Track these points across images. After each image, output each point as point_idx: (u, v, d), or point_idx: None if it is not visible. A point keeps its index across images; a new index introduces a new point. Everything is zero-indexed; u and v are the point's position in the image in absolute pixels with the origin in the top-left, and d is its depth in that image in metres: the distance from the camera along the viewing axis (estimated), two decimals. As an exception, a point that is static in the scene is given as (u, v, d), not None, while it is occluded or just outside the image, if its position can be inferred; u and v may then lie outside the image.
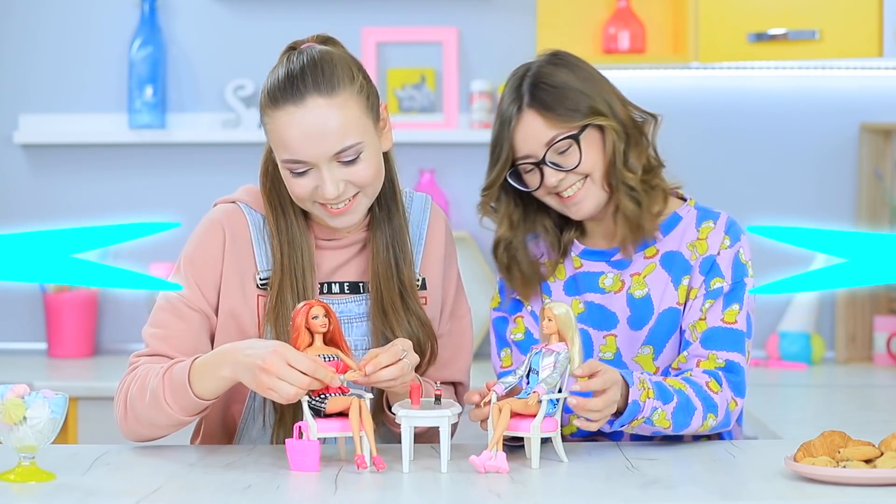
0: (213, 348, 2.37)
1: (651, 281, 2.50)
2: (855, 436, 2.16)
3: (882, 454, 2.08)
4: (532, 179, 2.48)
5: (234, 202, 2.44)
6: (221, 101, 4.18)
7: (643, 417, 2.33)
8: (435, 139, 4.16)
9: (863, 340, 4.12)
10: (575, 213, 2.48)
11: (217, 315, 2.40)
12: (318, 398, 2.18)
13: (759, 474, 2.15)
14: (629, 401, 2.31)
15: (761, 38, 3.81)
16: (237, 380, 2.22)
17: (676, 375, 2.44)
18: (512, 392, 2.24)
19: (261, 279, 2.39)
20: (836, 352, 4.11)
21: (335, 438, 2.26)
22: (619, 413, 2.32)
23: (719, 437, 2.53)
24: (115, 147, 4.20)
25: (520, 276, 2.54)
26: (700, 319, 2.46)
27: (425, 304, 2.46)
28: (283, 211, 2.40)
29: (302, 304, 2.22)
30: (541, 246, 2.57)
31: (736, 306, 2.45)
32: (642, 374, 2.39)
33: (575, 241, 2.55)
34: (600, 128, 2.46)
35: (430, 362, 2.44)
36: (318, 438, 2.17)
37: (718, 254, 2.47)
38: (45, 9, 4.19)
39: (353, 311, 2.42)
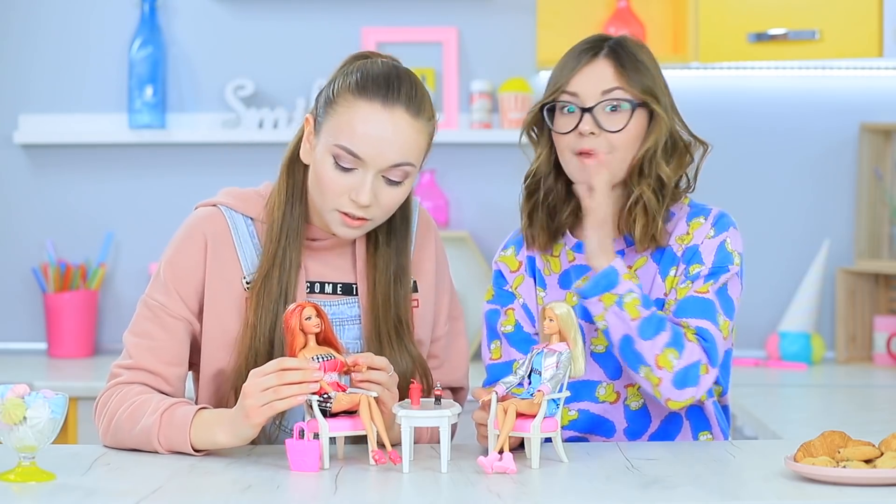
0: (199, 353, 2.39)
1: (642, 274, 2.49)
2: (855, 436, 2.16)
3: (882, 454, 2.08)
4: (567, 122, 2.45)
5: (214, 205, 2.43)
6: (221, 101, 4.18)
7: (617, 294, 2.35)
8: (435, 139, 4.14)
9: (863, 340, 4.12)
10: (582, 178, 2.44)
11: (201, 321, 2.39)
12: (321, 398, 2.18)
13: (759, 474, 2.15)
14: (609, 266, 2.35)
15: (761, 38, 3.81)
16: (236, 437, 2.23)
17: None
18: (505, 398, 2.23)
19: (247, 282, 2.39)
20: (836, 352, 4.12)
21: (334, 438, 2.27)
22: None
23: (721, 432, 2.54)
24: (115, 147, 4.20)
25: (543, 218, 2.53)
26: (674, 300, 2.44)
27: (416, 306, 2.46)
28: (293, 205, 2.39)
29: (293, 305, 2.22)
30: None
31: (711, 281, 2.41)
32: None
33: (568, 233, 2.54)
34: (650, 115, 2.45)
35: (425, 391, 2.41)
36: (330, 438, 2.18)
37: (702, 243, 2.44)
38: (45, 9, 4.19)
39: (344, 314, 2.42)
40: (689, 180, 2.51)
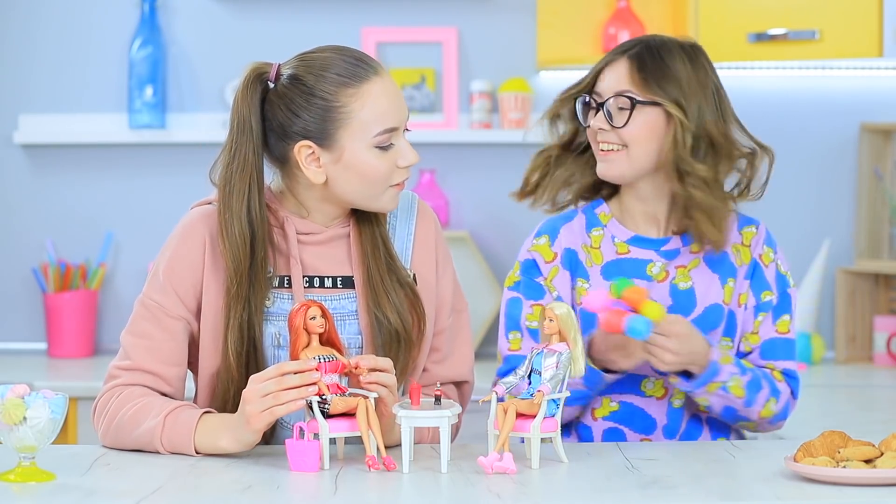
0: (198, 352, 2.39)
1: (695, 275, 2.54)
2: (855, 436, 2.16)
3: (882, 454, 2.08)
4: (586, 116, 2.54)
5: (211, 203, 2.44)
6: (221, 101, 4.18)
7: (721, 382, 2.44)
8: (435, 139, 4.16)
9: (863, 340, 4.12)
10: (600, 170, 2.54)
11: (199, 319, 2.39)
12: (320, 398, 2.18)
13: (759, 474, 2.15)
14: (709, 360, 2.42)
15: (761, 38, 3.81)
16: (239, 443, 2.24)
17: None
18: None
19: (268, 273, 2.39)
20: (836, 352, 4.12)
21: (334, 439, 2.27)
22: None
23: (737, 433, 2.59)
24: (115, 147, 4.19)
25: (549, 185, 2.61)
26: (753, 333, 2.55)
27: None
28: (253, 214, 2.36)
29: (298, 304, 2.22)
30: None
31: (786, 317, 2.56)
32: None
33: (617, 223, 2.57)
34: (670, 116, 2.49)
35: (420, 333, 2.42)
36: (329, 438, 2.18)
37: (766, 265, 2.56)
38: (45, 9, 4.19)
39: (345, 309, 2.42)
40: (747, 186, 2.56)
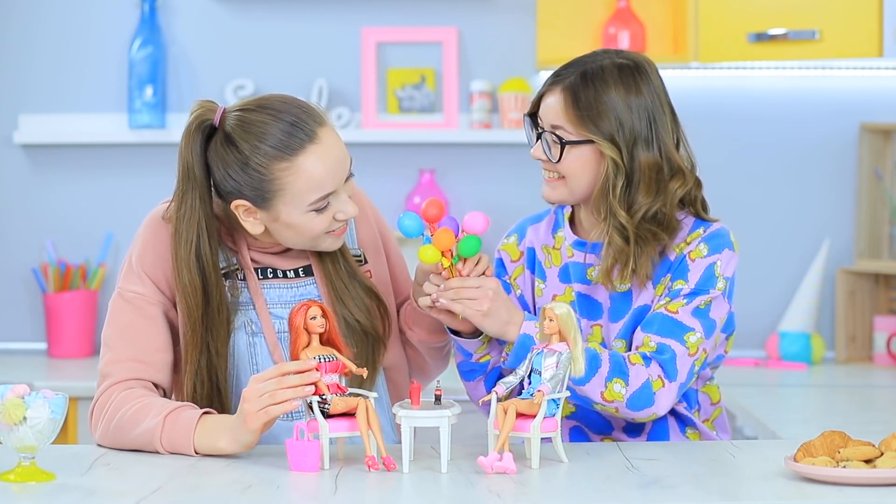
0: (180, 340, 2.40)
1: (634, 279, 2.49)
2: (855, 436, 2.16)
3: (882, 454, 2.08)
4: (532, 138, 2.53)
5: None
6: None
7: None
8: (435, 139, 4.16)
9: (863, 340, 4.12)
10: (543, 194, 2.52)
11: (177, 308, 2.41)
12: (320, 398, 2.18)
13: (759, 474, 2.15)
14: (522, 334, 2.39)
15: (761, 38, 3.81)
16: (237, 444, 2.25)
17: None
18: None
19: (221, 266, 2.41)
20: (836, 352, 4.11)
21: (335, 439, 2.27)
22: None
23: (707, 432, 2.54)
24: (115, 147, 4.19)
25: None
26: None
27: (370, 277, 2.50)
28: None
29: (298, 304, 2.22)
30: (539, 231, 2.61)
31: (684, 301, 2.43)
32: None
33: (568, 229, 2.57)
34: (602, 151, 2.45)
35: (387, 332, 2.48)
36: (329, 438, 2.18)
37: (692, 260, 2.46)
38: (45, 9, 4.19)
39: (312, 294, 2.46)
40: (668, 214, 2.46)
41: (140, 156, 4.20)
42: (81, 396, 3.55)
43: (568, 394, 2.22)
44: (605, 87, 2.45)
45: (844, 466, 2.04)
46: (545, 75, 4.13)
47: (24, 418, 2.07)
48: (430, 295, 2.38)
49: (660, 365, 2.39)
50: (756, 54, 3.84)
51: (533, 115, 2.53)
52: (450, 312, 2.41)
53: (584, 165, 2.46)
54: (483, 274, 2.38)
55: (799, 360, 4.03)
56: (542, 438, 2.19)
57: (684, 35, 3.92)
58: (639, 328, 2.45)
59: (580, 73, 2.47)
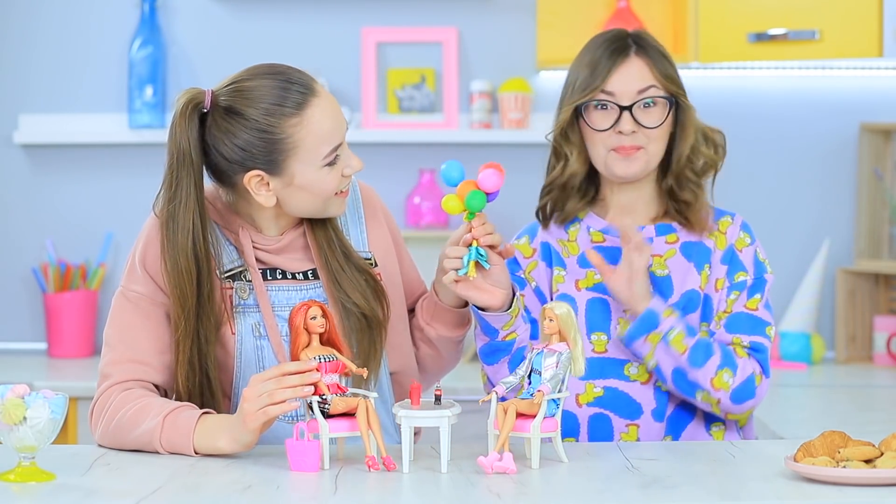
0: (172, 328, 2.39)
1: (672, 264, 2.55)
2: (855, 436, 2.16)
3: (882, 454, 2.08)
4: (602, 119, 2.53)
5: None
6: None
7: (660, 333, 2.43)
8: (435, 139, 4.16)
9: (863, 340, 4.12)
10: (621, 170, 2.53)
11: (168, 296, 2.40)
12: (320, 398, 2.18)
13: (759, 474, 2.15)
14: (648, 309, 2.44)
15: (761, 38, 3.81)
16: (236, 443, 2.25)
17: None
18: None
19: (225, 270, 2.40)
20: (836, 352, 4.12)
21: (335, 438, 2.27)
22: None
23: (738, 429, 2.58)
24: (115, 147, 4.20)
25: (558, 195, 2.61)
26: (725, 311, 2.54)
27: (381, 279, 2.49)
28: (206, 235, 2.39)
29: (299, 304, 2.22)
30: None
31: (758, 296, 2.54)
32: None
33: (592, 214, 2.60)
34: (677, 109, 2.54)
35: (385, 315, 2.45)
36: (329, 438, 2.18)
37: (740, 250, 2.56)
38: (45, 9, 4.19)
39: (320, 298, 2.44)
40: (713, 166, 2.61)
41: (140, 156, 4.20)
42: (81, 396, 3.55)
43: (568, 394, 2.22)
44: (659, 45, 2.57)
45: (844, 466, 2.04)
46: (545, 75, 4.16)
47: (24, 418, 2.07)
48: (455, 270, 2.37)
49: (758, 361, 2.51)
50: (756, 54, 3.84)
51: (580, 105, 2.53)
52: (476, 288, 2.40)
53: (667, 127, 2.54)
54: (496, 251, 2.38)
55: (799, 360, 4.03)
56: (542, 438, 2.19)
57: (684, 35, 3.92)
58: (722, 329, 2.52)
59: (631, 40, 2.55)
